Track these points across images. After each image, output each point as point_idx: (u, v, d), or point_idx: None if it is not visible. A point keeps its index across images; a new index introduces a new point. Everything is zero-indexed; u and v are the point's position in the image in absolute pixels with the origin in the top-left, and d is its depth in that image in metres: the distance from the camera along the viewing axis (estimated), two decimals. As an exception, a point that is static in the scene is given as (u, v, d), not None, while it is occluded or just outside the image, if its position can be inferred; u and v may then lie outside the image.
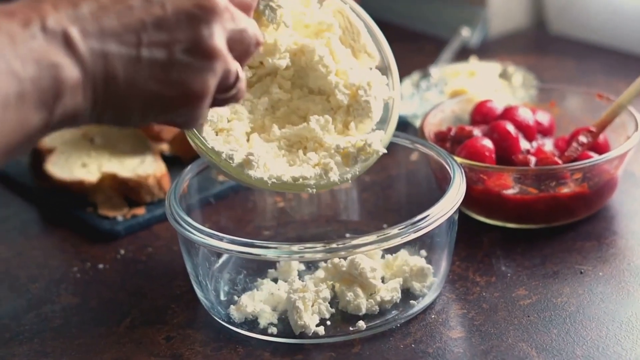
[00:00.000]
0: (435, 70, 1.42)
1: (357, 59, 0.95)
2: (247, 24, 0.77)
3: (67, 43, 0.67)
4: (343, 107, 0.94)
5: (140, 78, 0.71)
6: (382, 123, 0.95)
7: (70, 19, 0.68)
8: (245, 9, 0.79)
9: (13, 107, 0.64)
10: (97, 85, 0.69)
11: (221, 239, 0.90)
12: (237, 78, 0.78)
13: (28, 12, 0.67)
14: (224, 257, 1.01)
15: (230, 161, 0.89)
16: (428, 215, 0.90)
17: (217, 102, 0.78)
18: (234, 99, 0.80)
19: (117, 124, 0.76)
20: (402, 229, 0.89)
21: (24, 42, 0.65)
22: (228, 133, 0.91)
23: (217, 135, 0.91)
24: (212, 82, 0.75)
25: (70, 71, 0.67)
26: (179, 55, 0.72)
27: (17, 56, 0.65)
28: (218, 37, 0.74)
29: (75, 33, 0.68)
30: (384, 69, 0.96)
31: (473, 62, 1.46)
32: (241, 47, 0.77)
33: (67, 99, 0.68)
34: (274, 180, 0.89)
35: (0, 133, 0.64)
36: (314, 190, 0.90)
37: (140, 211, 1.15)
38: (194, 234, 0.91)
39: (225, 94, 0.78)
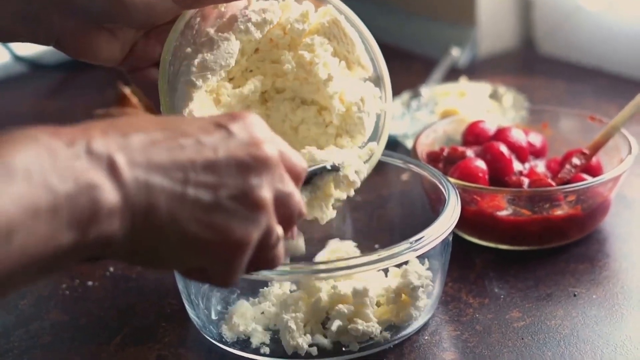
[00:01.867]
0: (425, 90, 1.42)
1: (350, 71, 0.94)
2: (294, 190, 0.73)
3: (111, 168, 0.64)
4: (335, 122, 0.93)
5: (182, 215, 0.67)
6: (373, 135, 0.95)
7: (119, 146, 0.65)
8: (295, 177, 0.74)
9: (44, 219, 0.60)
10: (137, 216, 0.65)
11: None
12: (278, 240, 0.73)
13: (75, 134, 0.64)
14: (216, 275, 1.00)
15: None
16: (423, 237, 0.90)
17: (254, 263, 0.73)
18: (272, 263, 0.75)
19: (149, 263, 0.72)
20: (397, 250, 0.89)
21: (65, 160, 0.62)
22: None
23: None
24: (255, 234, 0.70)
25: (110, 195, 0.63)
26: (225, 201, 0.69)
27: (54, 170, 0.61)
28: (266, 191, 0.70)
29: (121, 160, 0.64)
30: (375, 80, 0.95)
31: (463, 82, 1.46)
32: (284, 212, 0.72)
33: (103, 223, 0.64)
34: None
35: (27, 244, 0.60)
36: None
37: (130, 228, 1.14)
38: (187, 252, 0.90)
39: (264, 255, 0.73)
